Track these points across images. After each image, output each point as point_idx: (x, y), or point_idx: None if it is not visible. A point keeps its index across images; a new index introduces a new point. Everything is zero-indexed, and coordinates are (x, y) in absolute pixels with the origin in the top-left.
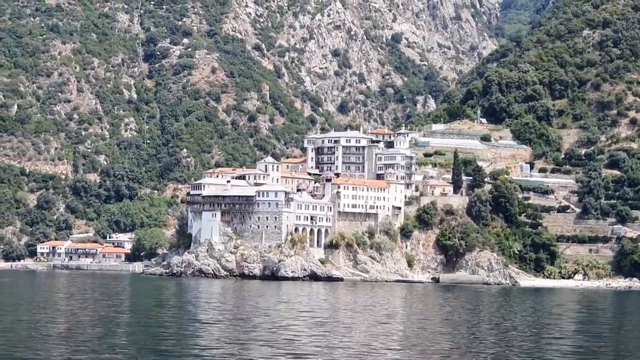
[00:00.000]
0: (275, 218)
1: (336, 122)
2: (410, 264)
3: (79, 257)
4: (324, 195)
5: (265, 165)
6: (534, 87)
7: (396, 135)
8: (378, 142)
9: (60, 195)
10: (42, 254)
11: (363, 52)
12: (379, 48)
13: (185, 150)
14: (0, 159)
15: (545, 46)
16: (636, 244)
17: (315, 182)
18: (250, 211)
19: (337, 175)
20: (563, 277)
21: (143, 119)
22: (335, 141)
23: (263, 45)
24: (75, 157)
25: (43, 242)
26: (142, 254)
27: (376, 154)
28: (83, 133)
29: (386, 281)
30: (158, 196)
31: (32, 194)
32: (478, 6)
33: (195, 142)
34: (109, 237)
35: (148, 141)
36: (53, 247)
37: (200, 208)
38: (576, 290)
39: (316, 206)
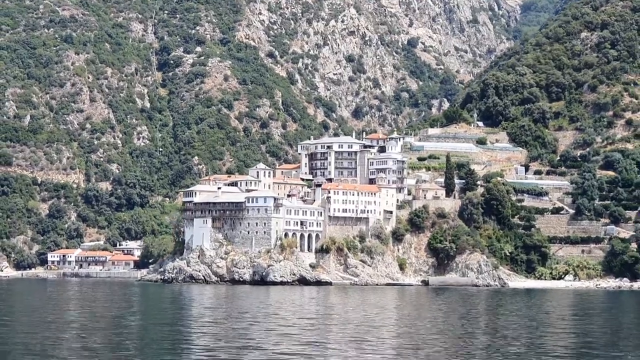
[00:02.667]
0: (265, 224)
1: (350, 128)
2: (402, 267)
3: (89, 264)
4: (314, 201)
5: (257, 172)
6: (530, 90)
7: (388, 140)
8: (371, 147)
9: (72, 204)
10: (52, 262)
11: (378, 57)
12: (394, 53)
13: (196, 157)
14: (12, 169)
15: (544, 49)
16: (626, 245)
17: (308, 188)
18: (240, 217)
19: (330, 180)
20: (554, 278)
21: (156, 127)
22: (328, 147)
23: (276, 52)
24: (88, 166)
25: (54, 250)
26: (150, 261)
27: (368, 159)
28: (95, 142)
29: (376, 285)
30: (169, 204)
31: (43, 203)
32: (496, 9)
33: (206, 149)
34: (119, 245)
35: (160, 149)
36: (63, 256)
37: (192, 215)
38: (565, 290)
39: (306, 211)
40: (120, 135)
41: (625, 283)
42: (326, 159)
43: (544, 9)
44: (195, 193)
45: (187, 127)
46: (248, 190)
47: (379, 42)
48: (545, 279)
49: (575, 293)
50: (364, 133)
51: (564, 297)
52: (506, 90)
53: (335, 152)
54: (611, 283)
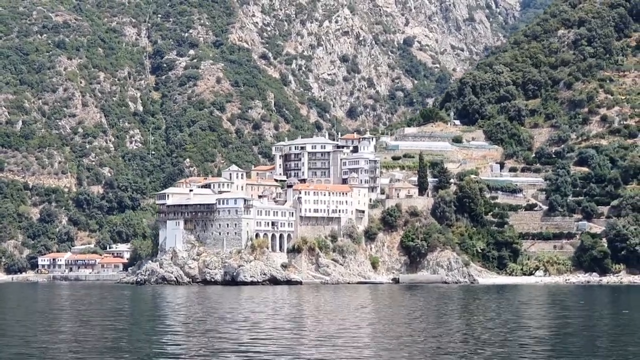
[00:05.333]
0: (235, 224)
1: (343, 127)
2: (374, 265)
3: (79, 268)
4: (285, 201)
5: (230, 174)
6: (507, 88)
7: (361, 140)
8: (344, 147)
9: (63, 207)
10: (43, 266)
11: (372, 56)
12: (389, 52)
13: (188, 160)
14: (4, 174)
15: (522, 47)
16: (596, 240)
17: (281, 189)
18: (211, 219)
19: (304, 181)
20: (525, 274)
21: (149, 130)
22: (302, 147)
23: (270, 54)
24: (79, 170)
25: (44, 254)
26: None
27: (341, 159)
28: (87, 146)
29: (348, 283)
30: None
31: (35, 208)
32: (494, 7)
33: (198, 151)
34: (109, 248)
35: (153, 152)
36: (53, 259)
37: (165, 217)
38: (534, 286)
39: (277, 212)
40: (113, 139)
41: (594, 278)
42: (300, 159)
43: (543, 5)
44: (168, 196)
45: (179, 129)
46: (220, 192)
47: (374, 42)
48: (516, 275)
49: (537, 288)
50: (357, 133)
51: (518, 292)
52: (483, 88)
53: (309, 152)
54: (580, 278)
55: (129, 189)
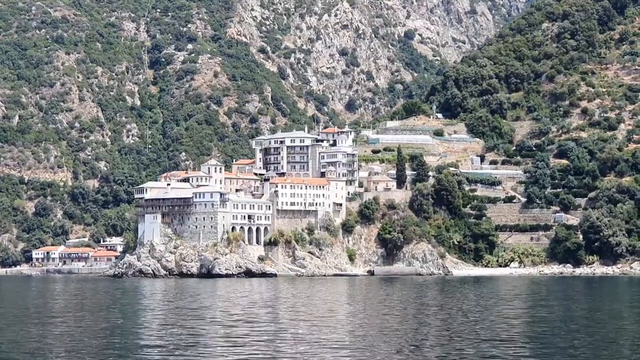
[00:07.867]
0: (211, 218)
1: (341, 121)
2: (351, 258)
3: (72, 261)
4: (262, 195)
5: (209, 168)
6: (489, 82)
7: (339, 133)
8: (323, 141)
9: (58, 201)
10: (37, 259)
11: (372, 50)
12: (389, 45)
13: (184, 153)
14: (0, 168)
15: (506, 40)
16: (570, 232)
17: (260, 182)
18: (188, 212)
19: (283, 174)
20: (500, 266)
21: (146, 124)
22: (281, 142)
23: (268, 48)
24: (76, 164)
25: (39, 248)
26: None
27: (319, 153)
28: (84, 141)
29: (324, 276)
30: None
31: (30, 202)
32: None
33: (194, 145)
34: (103, 241)
35: (149, 146)
36: (47, 253)
37: (143, 211)
38: (509, 277)
39: (254, 205)
40: (109, 133)
41: (567, 269)
42: (279, 153)
43: None
44: (146, 190)
45: (176, 123)
46: (199, 186)
47: (373, 35)
48: (492, 267)
49: (509, 279)
50: (356, 126)
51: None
52: (466, 82)
53: (288, 146)
54: (554, 269)
55: (124, 183)
